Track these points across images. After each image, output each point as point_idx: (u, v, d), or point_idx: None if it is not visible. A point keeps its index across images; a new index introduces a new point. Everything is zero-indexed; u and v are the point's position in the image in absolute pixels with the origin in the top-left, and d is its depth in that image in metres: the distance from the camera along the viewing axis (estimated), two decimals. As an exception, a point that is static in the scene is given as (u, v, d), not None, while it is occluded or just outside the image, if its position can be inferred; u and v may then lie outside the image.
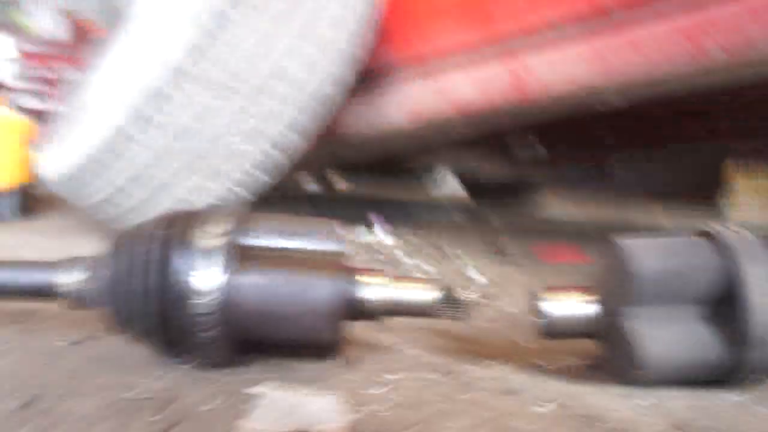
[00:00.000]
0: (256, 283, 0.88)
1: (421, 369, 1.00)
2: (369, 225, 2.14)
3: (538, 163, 2.58)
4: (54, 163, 1.85)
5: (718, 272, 0.88)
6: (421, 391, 0.90)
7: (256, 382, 0.89)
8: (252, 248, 0.92)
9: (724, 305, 0.88)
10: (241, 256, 0.90)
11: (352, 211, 2.33)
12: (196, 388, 0.90)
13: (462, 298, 0.95)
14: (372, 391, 0.89)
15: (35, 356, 0.99)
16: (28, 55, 4.38)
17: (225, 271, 0.87)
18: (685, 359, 0.88)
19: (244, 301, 0.88)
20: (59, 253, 1.05)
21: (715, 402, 0.90)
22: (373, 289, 0.94)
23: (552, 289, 0.95)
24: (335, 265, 0.91)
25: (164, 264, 0.90)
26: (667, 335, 0.88)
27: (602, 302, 0.94)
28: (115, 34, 2.24)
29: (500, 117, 1.83)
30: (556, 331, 0.95)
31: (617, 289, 0.91)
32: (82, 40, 4.81)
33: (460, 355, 1.08)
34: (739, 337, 0.86)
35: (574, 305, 0.94)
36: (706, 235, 0.93)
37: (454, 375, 0.98)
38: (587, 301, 0.94)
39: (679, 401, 0.91)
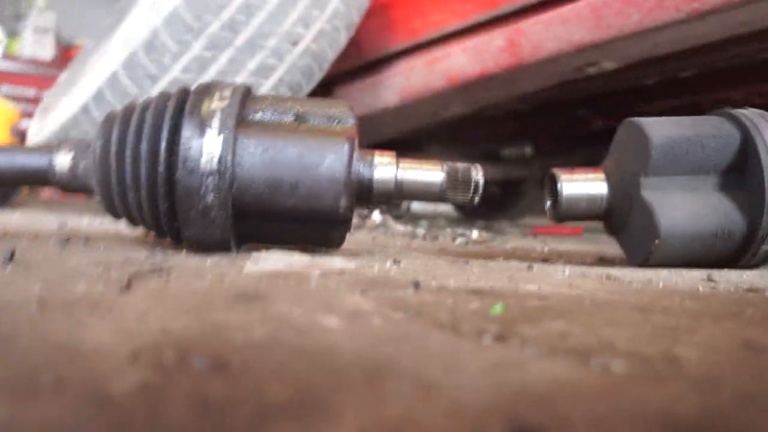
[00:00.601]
0: (260, 144, 0.84)
1: (434, 259, 0.97)
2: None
3: (526, 162, 2.58)
4: (45, 124, 1.81)
5: (731, 138, 0.87)
6: (434, 267, 0.86)
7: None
8: (258, 120, 0.88)
9: (739, 173, 0.87)
10: (246, 124, 0.86)
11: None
12: (191, 257, 0.85)
13: (472, 178, 0.91)
14: (379, 264, 0.85)
15: (22, 245, 0.94)
16: (5, 75, 4.35)
17: (226, 131, 0.83)
18: (702, 226, 0.85)
19: (248, 163, 0.84)
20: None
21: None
22: (381, 169, 0.91)
23: (566, 169, 0.92)
24: (345, 135, 0.87)
25: (159, 128, 0.85)
26: (684, 203, 0.86)
27: (618, 180, 0.91)
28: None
29: (493, 87, 1.83)
30: (571, 211, 0.91)
31: (633, 162, 0.89)
32: (65, 60, 4.81)
33: (470, 256, 1.05)
34: (755, 202, 0.84)
35: (589, 184, 0.91)
36: (719, 114, 0.92)
37: (466, 262, 0.94)
38: (602, 179, 0.91)
39: (699, 272, 0.88)
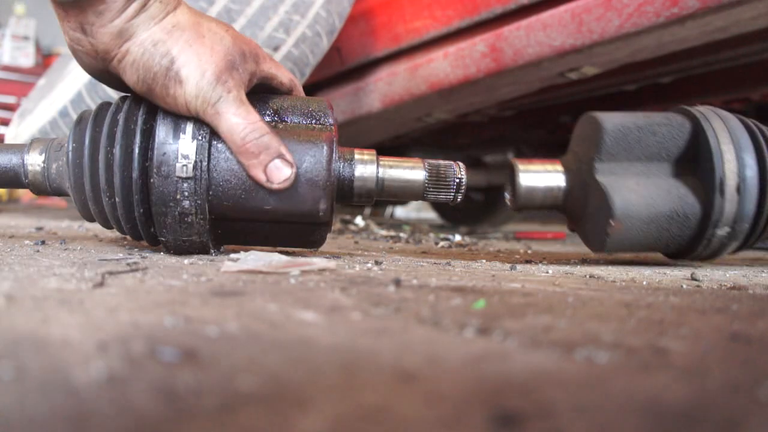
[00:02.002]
0: (239, 143, 0.82)
1: (416, 260, 0.95)
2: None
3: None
4: (23, 129, 1.77)
5: (682, 126, 0.91)
6: (416, 267, 0.85)
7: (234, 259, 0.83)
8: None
9: (691, 162, 0.91)
10: (223, 122, 0.85)
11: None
12: (169, 257, 0.83)
13: (454, 176, 0.89)
14: (360, 264, 0.84)
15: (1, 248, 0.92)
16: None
17: (201, 135, 0.81)
18: (657, 208, 0.86)
19: (224, 166, 0.82)
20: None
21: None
22: (362, 167, 0.89)
23: (524, 159, 0.94)
24: (324, 136, 0.86)
25: (132, 132, 0.83)
26: (639, 186, 0.88)
27: (574, 170, 0.93)
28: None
29: (475, 92, 1.83)
30: (529, 200, 0.93)
31: (588, 150, 0.91)
32: (46, 67, 4.76)
33: (452, 257, 1.04)
34: (707, 186, 0.87)
35: (546, 175, 0.93)
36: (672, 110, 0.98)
37: (449, 263, 0.93)
38: (559, 169, 0.94)
39: (682, 271, 0.87)
